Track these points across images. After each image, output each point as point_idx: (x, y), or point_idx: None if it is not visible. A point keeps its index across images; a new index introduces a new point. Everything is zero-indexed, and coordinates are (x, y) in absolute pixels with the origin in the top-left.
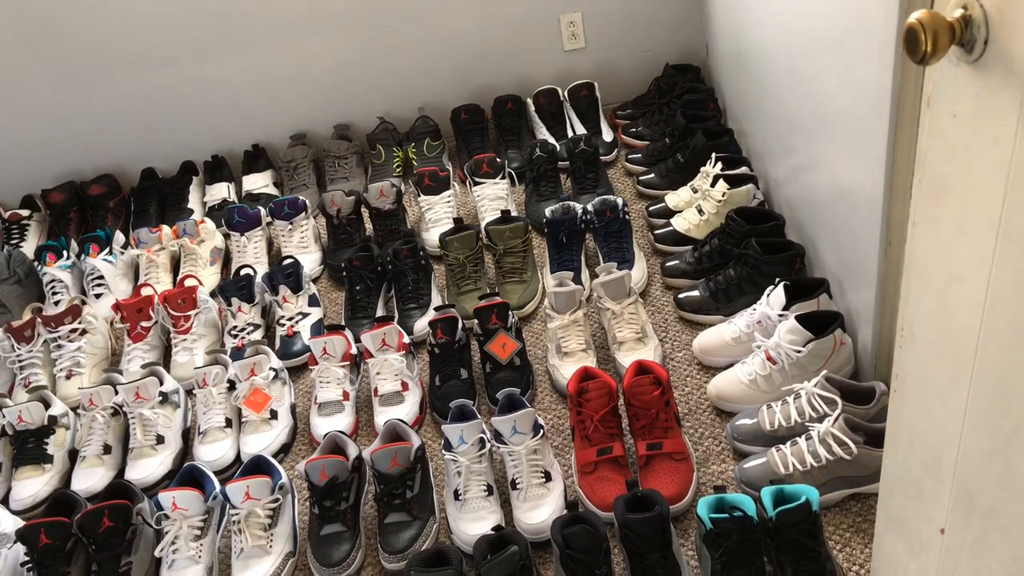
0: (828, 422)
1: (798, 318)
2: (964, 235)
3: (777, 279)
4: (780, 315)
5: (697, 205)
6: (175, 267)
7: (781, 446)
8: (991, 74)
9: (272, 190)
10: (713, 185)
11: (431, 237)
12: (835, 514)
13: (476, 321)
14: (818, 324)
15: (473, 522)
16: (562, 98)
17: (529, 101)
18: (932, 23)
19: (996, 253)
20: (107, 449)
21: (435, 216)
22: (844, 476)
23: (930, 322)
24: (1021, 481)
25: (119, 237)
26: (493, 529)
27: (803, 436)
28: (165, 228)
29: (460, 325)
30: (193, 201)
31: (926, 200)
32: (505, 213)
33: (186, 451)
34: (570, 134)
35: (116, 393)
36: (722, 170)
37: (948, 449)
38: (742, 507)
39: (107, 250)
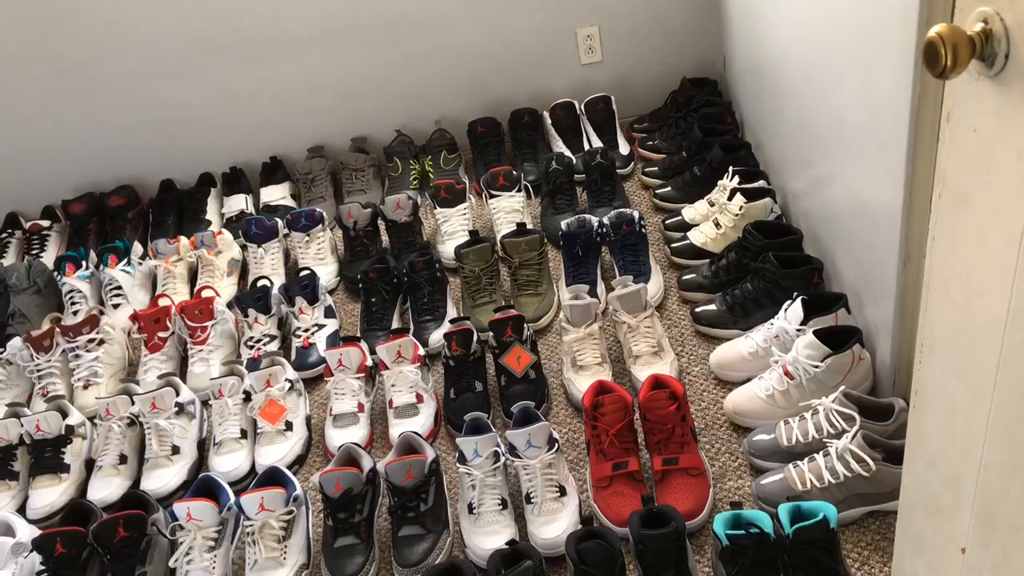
0: (846, 438)
1: (816, 333)
2: (985, 249)
3: (795, 293)
4: (798, 330)
5: (714, 219)
6: (192, 278)
7: (799, 462)
8: (1012, 88)
9: (289, 202)
10: (730, 199)
11: (447, 249)
12: (853, 532)
13: (491, 334)
14: (836, 339)
15: (487, 536)
16: (579, 111)
17: (546, 114)
18: (952, 37)
19: (1018, 267)
20: (123, 459)
21: (451, 228)
22: (862, 493)
23: (950, 337)
24: None
25: (137, 248)
26: (507, 543)
27: (821, 452)
28: (183, 239)
29: (475, 338)
30: (211, 212)
31: (946, 214)
32: (521, 226)
33: (201, 462)
34: (586, 147)
35: (132, 403)
36: (739, 183)
37: (969, 466)
38: (759, 524)
39: (125, 261)
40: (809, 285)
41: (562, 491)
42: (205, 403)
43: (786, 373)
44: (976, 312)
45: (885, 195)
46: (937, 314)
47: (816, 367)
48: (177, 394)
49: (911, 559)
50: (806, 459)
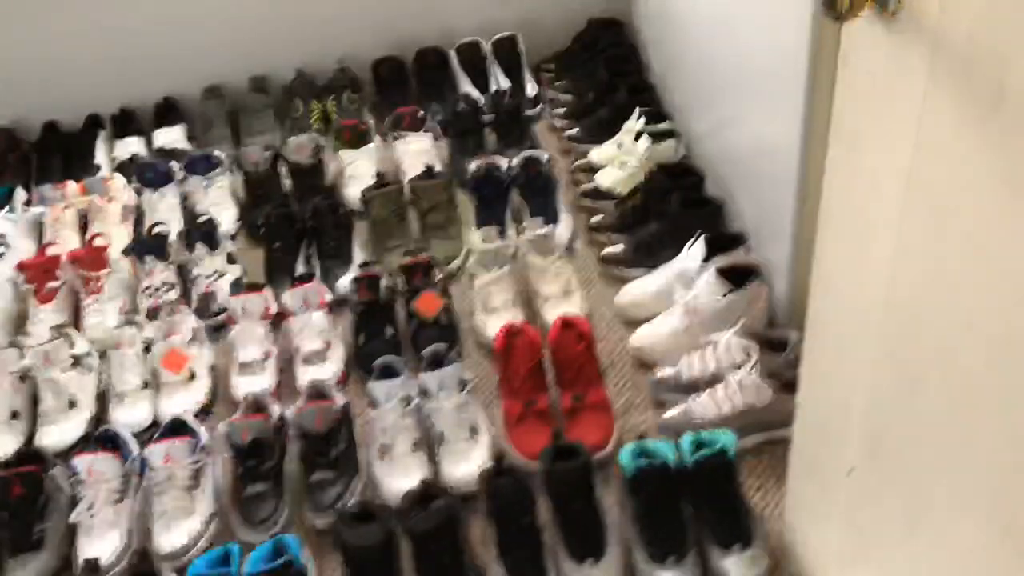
0: (744, 370)
1: (718, 270)
2: (876, 189)
3: (697, 233)
4: (700, 268)
5: (621, 161)
6: (83, 225)
7: (699, 395)
8: (904, 33)
9: (185, 145)
10: (636, 140)
11: (352, 193)
12: (751, 458)
13: (401, 279)
14: (737, 276)
15: (400, 478)
16: (485, 51)
17: (452, 54)
18: None
19: (905, 206)
20: (15, 415)
21: (356, 172)
22: (760, 421)
23: (843, 273)
24: (923, 424)
25: (20, 194)
26: (420, 483)
27: (721, 384)
28: (71, 184)
29: (384, 283)
30: (100, 156)
31: (841, 155)
32: (429, 168)
33: (101, 415)
34: (494, 88)
35: (23, 357)
36: (645, 125)
37: (857, 394)
38: (662, 454)
39: (7, 207)
40: (711, 225)
41: (474, 431)
42: (103, 355)
43: (689, 310)
44: (867, 250)
45: (784, 136)
46: (831, 251)
47: (717, 303)
48: (72, 346)
49: (804, 482)
50: (707, 391)
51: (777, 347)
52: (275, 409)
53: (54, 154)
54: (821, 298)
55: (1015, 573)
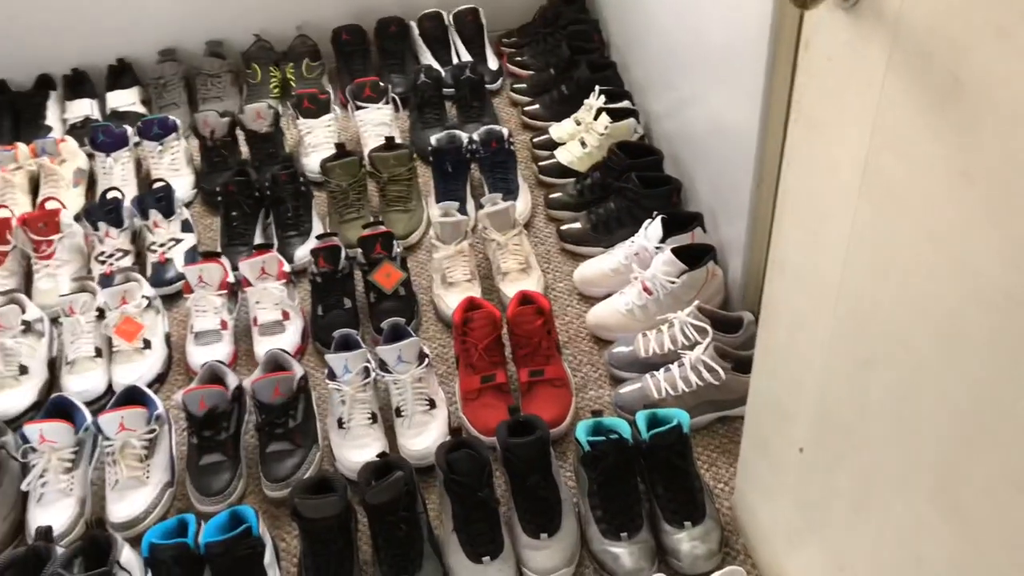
0: (699, 349)
1: (673, 250)
2: (833, 174)
3: (655, 212)
4: (657, 247)
5: (580, 138)
6: (34, 189)
7: (655, 372)
8: (864, 21)
9: (140, 108)
10: (596, 118)
11: (311, 163)
12: (704, 436)
13: (360, 250)
14: (692, 256)
15: (357, 449)
16: (447, 23)
17: (413, 24)
18: None
19: (861, 191)
20: None
21: (315, 141)
22: (713, 400)
23: (799, 255)
24: (872, 404)
25: None
26: (378, 455)
27: (676, 363)
28: (21, 146)
29: (343, 254)
30: (52, 118)
31: (799, 139)
32: (389, 140)
33: (52, 382)
34: (455, 60)
35: None
36: (605, 103)
37: (809, 374)
38: (618, 430)
39: None
40: (668, 204)
41: (432, 404)
42: (55, 321)
43: (645, 288)
44: (822, 233)
45: (742, 118)
46: (788, 233)
47: (672, 283)
48: (23, 311)
49: (755, 459)
50: (662, 369)
51: (731, 328)
52: (232, 379)
53: (3, 114)
54: (776, 279)
55: (959, 550)
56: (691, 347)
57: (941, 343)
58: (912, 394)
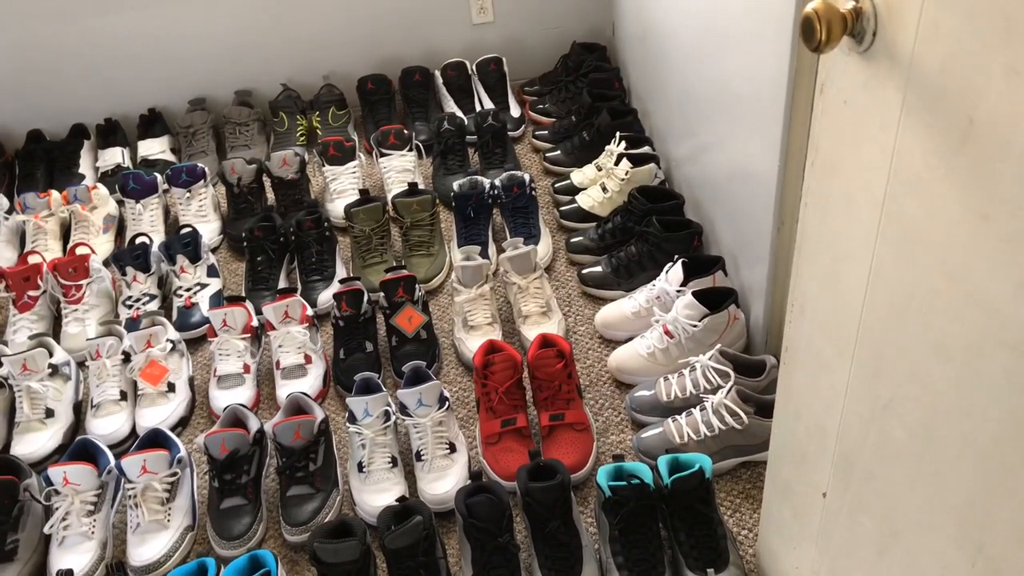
0: (721, 393)
1: (695, 294)
2: (851, 216)
3: (676, 256)
4: (678, 291)
5: (601, 183)
6: (65, 235)
7: (677, 416)
8: (879, 64)
9: (169, 156)
10: (617, 164)
11: (336, 208)
12: (727, 481)
13: (382, 294)
14: (714, 300)
15: (377, 494)
16: (470, 72)
17: (437, 73)
18: (827, 13)
19: (879, 233)
20: None
21: (340, 187)
22: (735, 445)
23: (818, 298)
24: (894, 447)
25: (2, 202)
26: (397, 500)
27: (698, 407)
28: (54, 193)
29: (366, 298)
30: (84, 166)
31: (817, 182)
32: (412, 186)
33: (78, 425)
34: (478, 108)
35: (1, 365)
36: (626, 149)
37: (831, 418)
38: (639, 475)
39: None
40: (689, 248)
41: (452, 448)
42: (81, 364)
43: (666, 332)
44: (841, 275)
45: (762, 163)
46: (807, 277)
47: (694, 326)
48: (50, 355)
49: (778, 505)
50: (684, 413)
51: (753, 371)
52: (253, 423)
53: (38, 163)
54: (797, 324)
55: None
56: (713, 391)
57: (961, 384)
58: (934, 436)
